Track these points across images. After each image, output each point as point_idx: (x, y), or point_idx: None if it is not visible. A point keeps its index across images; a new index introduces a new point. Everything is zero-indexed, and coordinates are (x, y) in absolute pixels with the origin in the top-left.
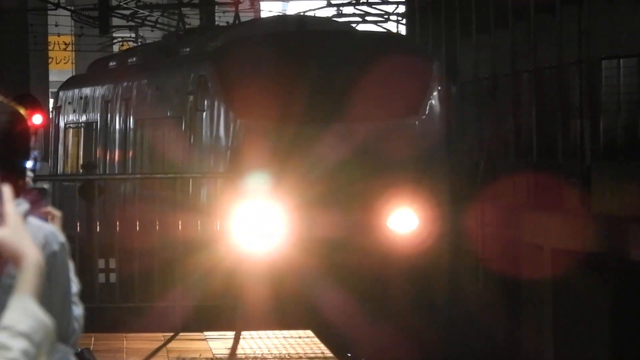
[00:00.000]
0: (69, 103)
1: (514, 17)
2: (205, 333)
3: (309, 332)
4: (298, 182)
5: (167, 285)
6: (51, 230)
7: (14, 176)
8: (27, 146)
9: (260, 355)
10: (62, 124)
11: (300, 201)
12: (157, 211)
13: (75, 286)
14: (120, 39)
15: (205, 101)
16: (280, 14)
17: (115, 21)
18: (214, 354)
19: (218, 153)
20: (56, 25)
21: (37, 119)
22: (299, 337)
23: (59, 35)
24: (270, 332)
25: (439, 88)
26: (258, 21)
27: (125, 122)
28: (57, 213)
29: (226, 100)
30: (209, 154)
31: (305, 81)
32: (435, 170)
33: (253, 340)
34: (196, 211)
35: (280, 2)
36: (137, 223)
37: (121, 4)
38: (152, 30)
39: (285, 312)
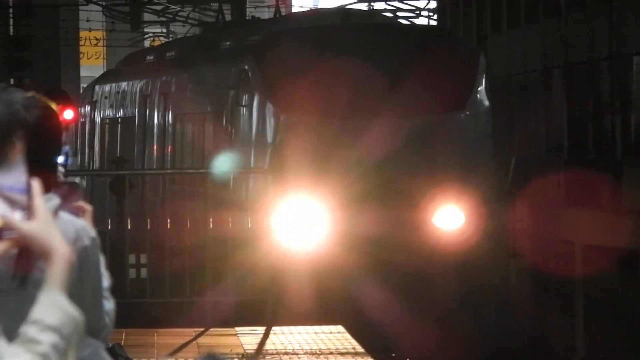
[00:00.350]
0: (105, 97)
1: (544, 13)
2: (236, 328)
3: (340, 328)
4: (341, 179)
5: (198, 281)
6: (82, 224)
7: (46, 171)
8: (59, 141)
9: (291, 350)
10: (97, 119)
11: (343, 198)
12: (189, 207)
13: (106, 281)
14: (151, 34)
15: (247, 96)
16: (313, 8)
17: (147, 16)
18: (244, 349)
19: (259, 149)
20: (87, 21)
21: (68, 114)
22: (330, 333)
23: (90, 31)
24: (301, 328)
25: (485, 81)
26: (299, 14)
27: (163, 116)
28: (88, 207)
29: (268, 95)
30: (250, 150)
31: (348, 75)
32: (482, 165)
33: (284, 336)
34: (231, 208)
35: None
36: (168, 220)
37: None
38: (183, 26)
39: (328, 311)
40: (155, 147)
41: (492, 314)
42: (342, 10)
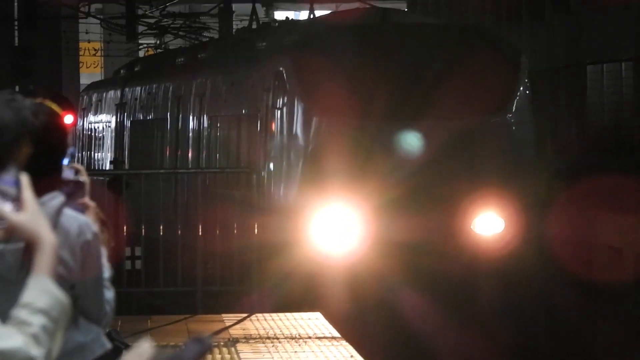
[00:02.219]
0: (135, 99)
1: (507, 22)
2: (223, 315)
3: (318, 315)
4: (379, 183)
5: (189, 272)
6: (85, 220)
7: (53, 171)
8: (64, 144)
9: (272, 335)
10: (126, 122)
11: (380, 203)
12: (182, 205)
13: (107, 271)
14: (145, 45)
15: (282, 98)
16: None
17: (141, 28)
18: (230, 334)
19: (295, 152)
20: (87, 33)
21: (68, 119)
22: (309, 319)
23: (89, 42)
24: (282, 315)
25: (527, 83)
26: (335, 15)
27: (200, 118)
28: (91, 204)
29: (303, 97)
30: (285, 154)
31: (386, 77)
32: (523, 171)
33: (266, 322)
34: (221, 204)
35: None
36: (161, 216)
37: (146, 12)
38: (175, 37)
39: (367, 321)
40: (189, 149)
41: (538, 322)
42: (380, 10)
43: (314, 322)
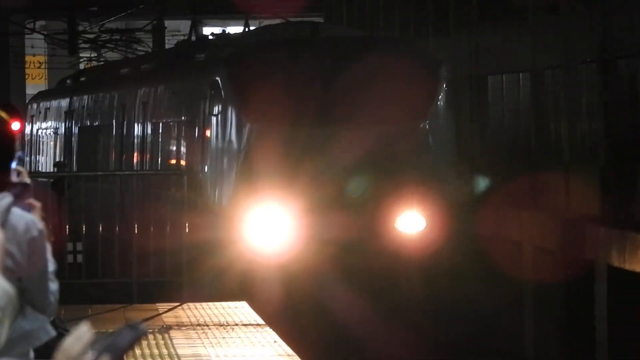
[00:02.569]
0: (83, 107)
1: (454, 27)
2: (157, 304)
3: (244, 304)
4: (308, 185)
5: (126, 265)
6: (32, 218)
7: (2, 174)
8: (12, 148)
9: (203, 322)
10: (74, 128)
11: (309, 203)
12: (119, 203)
13: (52, 265)
14: (85, 58)
15: (218, 105)
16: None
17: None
18: (164, 322)
19: (229, 155)
20: (32, 47)
21: (16, 126)
22: (236, 308)
23: (34, 55)
24: (211, 304)
25: (446, 91)
26: (270, 28)
27: (144, 125)
28: (37, 204)
29: (237, 104)
30: (221, 157)
31: (315, 86)
32: (442, 172)
33: (197, 310)
34: (154, 201)
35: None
36: (100, 214)
37: (86, 29)
38: (112, 51)
39: (297, 313)
40: (107, 152)
41: (459, 316)
42: (310, 24)
43: (240, 310)
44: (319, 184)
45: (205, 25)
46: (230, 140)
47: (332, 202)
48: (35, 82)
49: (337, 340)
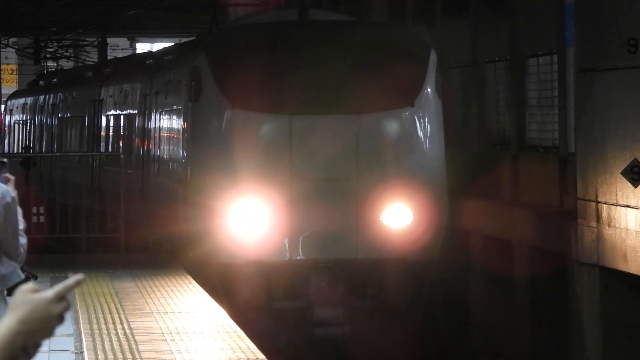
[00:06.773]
0: (15, 108)
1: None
2: (103, 255)
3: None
4: (289, 175)
5: (77, 223)
6: (6, 188)
7: None
8: None
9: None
10: (50, 120)
11: (291, 195)
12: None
13: (22, 224)
14: (48, 67)
15: (198, 92)
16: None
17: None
18: (109, 269)
19: (209, 144)
20: (6, 58)
21: None
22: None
23: (7, 64)
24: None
25: (435, 78)
26: (254, 15)
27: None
28: (12, 177)
29: (217, 91)
30: (200, 145)
31: (299, 71)
32: (431, 163)
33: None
34: (103, 178)
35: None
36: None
37: (49, 44)
38: (68, 61)
39: (281, 312)
40: (82, 139)
41: (443, 309)
42: (297, 9)
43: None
44: (300, 175)
45: (138, 41)
46: (210, 128)
47: (315, 195)
48: (8, 85)
49: (320, 340)
